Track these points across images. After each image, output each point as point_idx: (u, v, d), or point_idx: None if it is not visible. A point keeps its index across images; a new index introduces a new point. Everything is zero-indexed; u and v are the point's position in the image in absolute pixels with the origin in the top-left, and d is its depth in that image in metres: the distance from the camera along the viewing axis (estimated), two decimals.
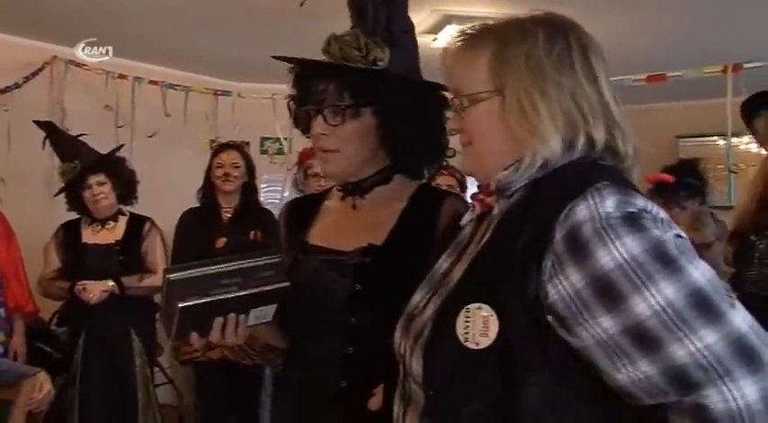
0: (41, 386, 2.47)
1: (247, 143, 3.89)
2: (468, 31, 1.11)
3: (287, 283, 1.33)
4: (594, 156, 1.04)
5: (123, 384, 3.43)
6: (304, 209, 1.61)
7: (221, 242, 3.53)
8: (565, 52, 1.04)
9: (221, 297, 1.28)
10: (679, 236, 0.94)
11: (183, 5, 3.83)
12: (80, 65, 4.45)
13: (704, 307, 0.88)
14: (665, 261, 0.90)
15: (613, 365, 0.91)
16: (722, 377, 0.87)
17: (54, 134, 3.66)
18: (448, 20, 4.02)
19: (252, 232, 3.58)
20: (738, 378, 0.87)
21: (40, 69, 4.39)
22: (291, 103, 1.53)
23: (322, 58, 1.45)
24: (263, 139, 5.49)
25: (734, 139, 3.80)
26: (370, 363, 1.29)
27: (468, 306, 0.99)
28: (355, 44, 1.43)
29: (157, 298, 3.69)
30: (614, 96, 1.07)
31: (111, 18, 4.01)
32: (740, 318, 0.89)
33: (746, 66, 3.43)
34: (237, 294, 1.29)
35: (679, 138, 5.63)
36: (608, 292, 0.90)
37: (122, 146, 3.75)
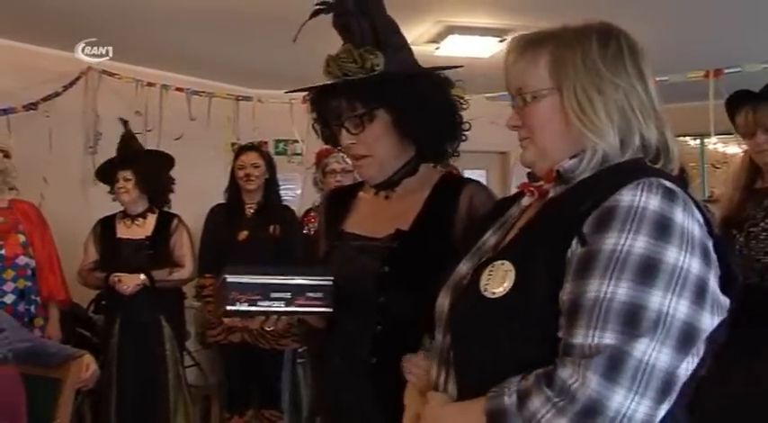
0: (88, 366, 2.47)
1: (265, 143, 3.90)
2: (529, 36, 1.11)
3: (330, 310, 1.34)
4: (650, 157, 1.05)
5: (155, 366, 3.49)
6: (341, 200, 1.64)
7: (243, 235, 3.58)
8: (618, 55, 1.05)
9: (266, 309, 1.30)
10: (695, 268, 0.91)
11: (207, 19, 3.86)
12: (112, 74, 4.50)
13: (633, 323, 0.87)
14: (646, 275, 0.89)
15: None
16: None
17: (126, 131, 3.78)
18: (450, 30, 4.05)
19: (271, 227, 3.62)
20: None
21: (77, 79, 4.41)
22: (316, 124, 1.57)
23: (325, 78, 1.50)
24: (277, 141, 5.49)
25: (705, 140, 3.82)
26: (399, 340, 1.30)
27: (494, 262, 1.02)
28: (350, 58, 1.46)
29: (185, 288, 3.79)
30: (659, 100, 1.08)
31: (141, 31, 4.06)
32: (649, 350, 0.87)
33: (727, 71, 3.45)
34: (281, 309, 1.31)
35: None
36: (585, 265, 0.92)
37: (153, 152, 3.80)
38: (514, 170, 5.85)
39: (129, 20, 3.88)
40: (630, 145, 1.04)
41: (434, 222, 1.47)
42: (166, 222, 3.64)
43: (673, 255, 0.90)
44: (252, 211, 3.69)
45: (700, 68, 3.55)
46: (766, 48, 3.70)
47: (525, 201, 1.15)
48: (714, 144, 5.74)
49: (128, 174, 3.53)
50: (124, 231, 3.59)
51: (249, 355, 3.61)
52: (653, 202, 0.92)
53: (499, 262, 1.01)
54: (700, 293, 0.91)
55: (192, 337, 4.11)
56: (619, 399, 0.85)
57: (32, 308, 3.34)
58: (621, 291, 0.88)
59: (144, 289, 3.44)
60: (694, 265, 0.91)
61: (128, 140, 3.73)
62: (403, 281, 1.41)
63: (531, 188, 1.13)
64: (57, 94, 4.29)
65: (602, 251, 0.91)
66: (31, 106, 4.15)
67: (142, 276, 3.44)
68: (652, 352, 0.87)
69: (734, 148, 5.37)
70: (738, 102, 2.47)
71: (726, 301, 0.96)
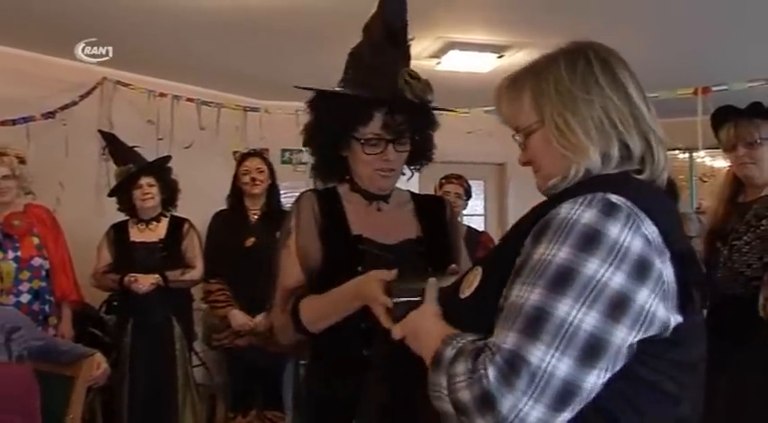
0: (99, 365, 2.50)
1: (266, 150, 3.89)
2: (511, 77, 1.12)
3: None
4: (631, 167, 1.02)
5: (165, 364, 3.50)
6: (331, 204, 1.63)
7: (251, 241, 3.53)
8: (587, 70, 1.03)
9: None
10: (619, 283, 0.88)
11: (217, 32, 3.89)
12: (126, 85, 4.53)
13: (535, 327, 0.87)
14: (558, 283, 0.88)
15: None
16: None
17: (113, 143, 3.82)
18: (451, 46, 4.07)
19: (278, 233, 3.59)
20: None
21: (93, 89, 4.43)
22: (341, 124, 1.55)
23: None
24: (283, 151, 5.49)
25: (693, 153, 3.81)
26: None
27: (471, 268, 1.08)
28: (425, 85, 1.55)
29: (193, 289, 3.80)
30: (646, 103, 1.05)
31: (153, 43, 4.09)
32: (547, 358, 0.85)
33: (714, 89, 3.48)
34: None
35: None
36: (516, 273, 0.94)
37: (170, 157, 3.81)
38: (511, 182, 5.86)
39: (142, 32, 3.91)
40: (611, 157, 1.01)
41: (438, 228, 1.65)
42: (178, 226, 3.67)
43: (592, 267, 0.87)
44: (256, 217, 3.64)
45: (689, 86, 3.57)
46: (752, 67, 3.71)
47: None
48: (702, 158, 5.79)
49: (151, 180, 3.56)
50: (137, 235, 3.61)
51: (252, 357, 3.59)
52: (587, 215, 0.90)
53: (476, 267, 1.06)
54: (617, 308, 0.87)
55: (199, 338, 4.11)
56: (512, 399, 0.85)
57: (47, 307, 3.37)
58: (534, 297, 0.88)
59: (157, 289, 3.46)
60: (617, 279, 0.88)
61: (124, 149, 3.75)
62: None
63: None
64: (74, 104, 4.30)
65: (531, 260, 0.92)
66: (49, 115, 4.17)
67: (157, 276, 3.47)
68: (551, 359, 0.85)
69: (721, 162, 5.40)
70: (722, 116, 2.49)
71: (669, 318, 0.92)
